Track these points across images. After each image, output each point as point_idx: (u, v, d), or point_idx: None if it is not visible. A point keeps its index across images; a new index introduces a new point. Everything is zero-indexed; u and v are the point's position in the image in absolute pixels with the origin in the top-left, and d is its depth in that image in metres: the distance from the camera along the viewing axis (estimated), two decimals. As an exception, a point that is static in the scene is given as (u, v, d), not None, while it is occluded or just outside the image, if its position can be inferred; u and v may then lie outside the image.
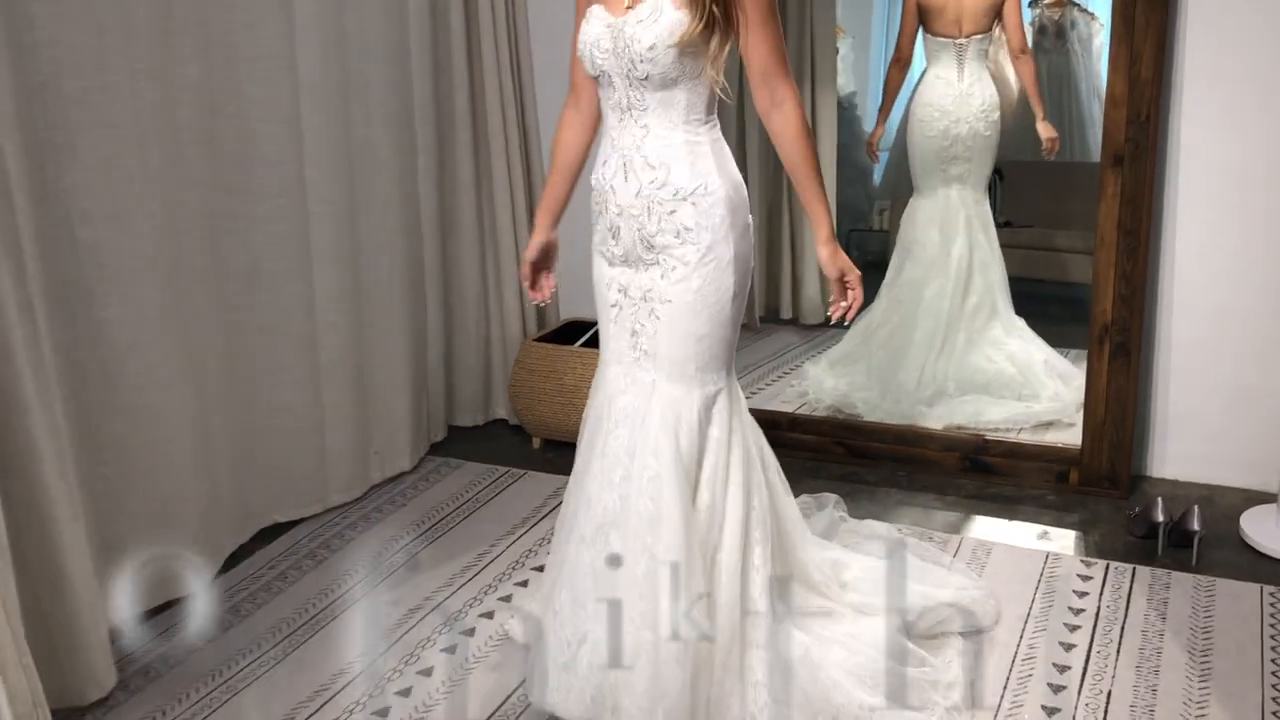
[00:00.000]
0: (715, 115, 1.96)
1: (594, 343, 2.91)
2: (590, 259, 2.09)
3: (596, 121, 2.08)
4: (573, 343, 3.40)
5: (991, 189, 4.26)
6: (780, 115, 1.93)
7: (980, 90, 3.74)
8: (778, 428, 3.29)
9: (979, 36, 3.73)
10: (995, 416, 3.47)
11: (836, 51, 7.62)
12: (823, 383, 3.79)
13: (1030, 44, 4.66)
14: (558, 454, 3.37)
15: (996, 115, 3.76)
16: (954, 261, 3.82)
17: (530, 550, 2.80)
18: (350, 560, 2.76)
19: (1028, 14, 4.78)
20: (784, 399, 3.82)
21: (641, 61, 1.84)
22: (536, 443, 3.47)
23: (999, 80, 3.96)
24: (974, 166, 3.81)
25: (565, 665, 2.00)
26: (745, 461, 2.05)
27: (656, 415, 1.96)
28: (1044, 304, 4.76)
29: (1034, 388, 3.61)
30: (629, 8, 1.87)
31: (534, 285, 2.21)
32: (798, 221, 5.07)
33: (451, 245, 3.44)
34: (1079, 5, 7.03)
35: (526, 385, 3.36)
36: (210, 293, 2.66)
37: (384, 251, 3.11)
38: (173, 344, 2.50)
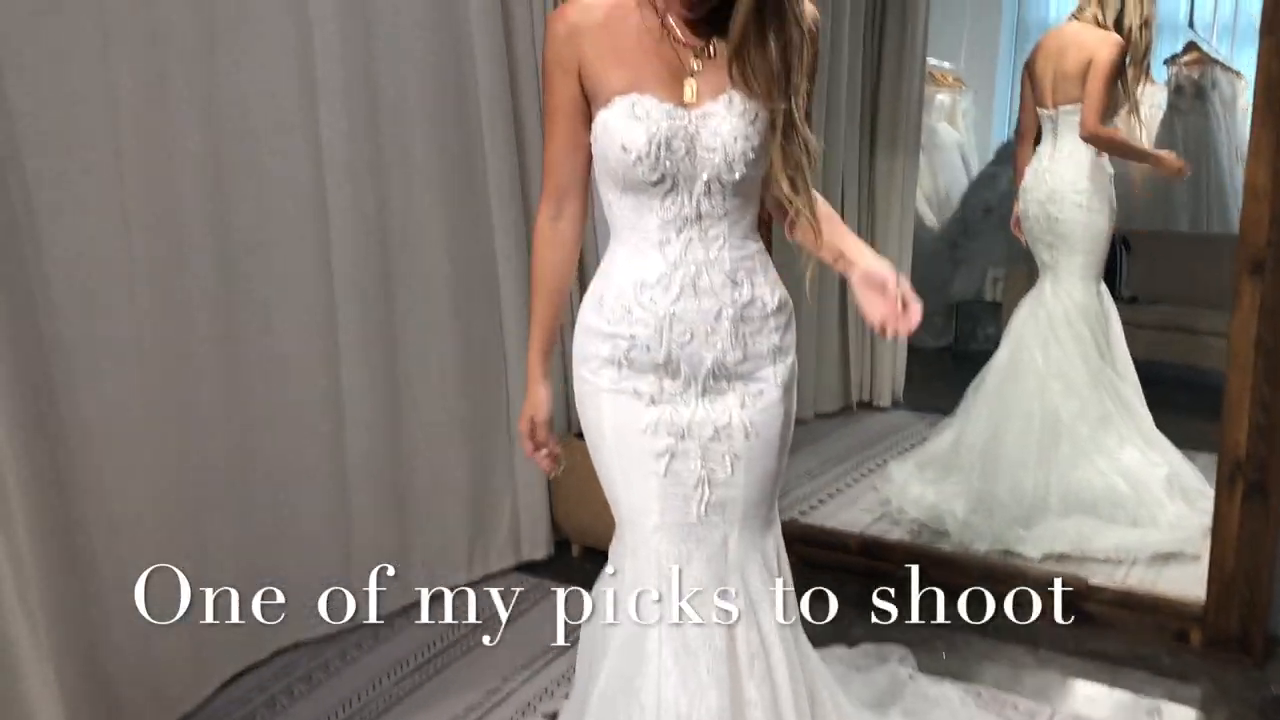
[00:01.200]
0: None
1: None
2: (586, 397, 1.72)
3: (580, 237, 1.75)
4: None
5: (1116, 261, 3.77)
6: (803, 226, 1.68)
7: (1063, 168, 3.31)
8: (844, 550, 2.90)
9: (1069, 108, 3.28)
10: (1103, 544, 3.02)
11: (952, 97, 7.15)
12: (908, 490, 3.38)
13: (1166, 104, 4.14)
14: (596, 566, 3.02)
15: (1081, 198, 3.28)
16: (1037, 359, 3.35)
17: (541, 694, 2.45)
18: (335, 696, 2.45)
19: (1162, 72, 4.28)
20: (864, 506, 3.42)
21: (741, 163, 1.56)
22: (576, 550, 3.14)
23: (1121, 145, 3.46)
24: (1060, 255, 3.36)
25: None
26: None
27: (745, 576, 1.67)
28: (1173, 391, 4.25)
29: (1151, 510, 3.13)
30: (690, 104, 1.56)
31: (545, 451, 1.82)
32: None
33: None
34: (1221, 63, 6.45)
35: (566, 486, 3.03)
36: (219, 389, 2.40)
37: (434, 338, 2.82)
38: (158, 445, 2.25)
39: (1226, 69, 6.19)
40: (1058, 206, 3.27)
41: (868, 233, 4.52)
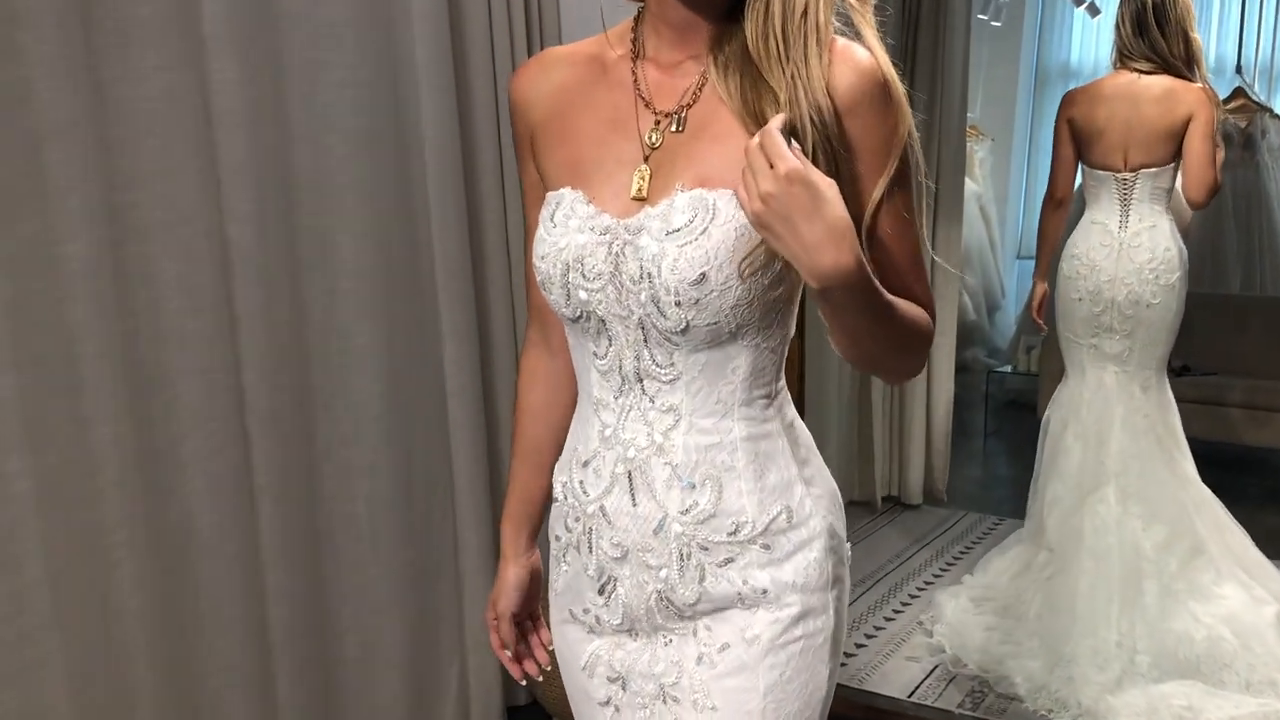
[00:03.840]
0: (783, 372, 1.10)
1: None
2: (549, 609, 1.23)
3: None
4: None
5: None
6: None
7: (1151, 242, 2.75)
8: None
9: (1152, 170, 2.73)
10: (1216, 716, 2.45)
11: (977, 157, 6.62)
12: (965, 633, 2.82)
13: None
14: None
15: (1175, 277, 2.74)
16: (1111, 475, 2.78)
17: None
18: None
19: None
20: (909, 651, 2.86)
21: (677, 304, 0.97)
22: (561, 727, 2.57)
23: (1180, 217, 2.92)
24: (1137, 345, 2.79)
25: None
26: None
27: None
28: (1234, 474, 3.73)
29: (1268, 670, 2.58)
30: (638, 199, 1.01)
31: (516, 649, 1.29)
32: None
33: (498, 458, 2.53)
34: (1270, 110, 5.94)
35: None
36: (134, 579, 1.79)
37: (362, 477, 2.26)
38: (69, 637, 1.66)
39: (1275, 116, 5.72)
40: (1150, 288, 2.72)
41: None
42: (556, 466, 1.15)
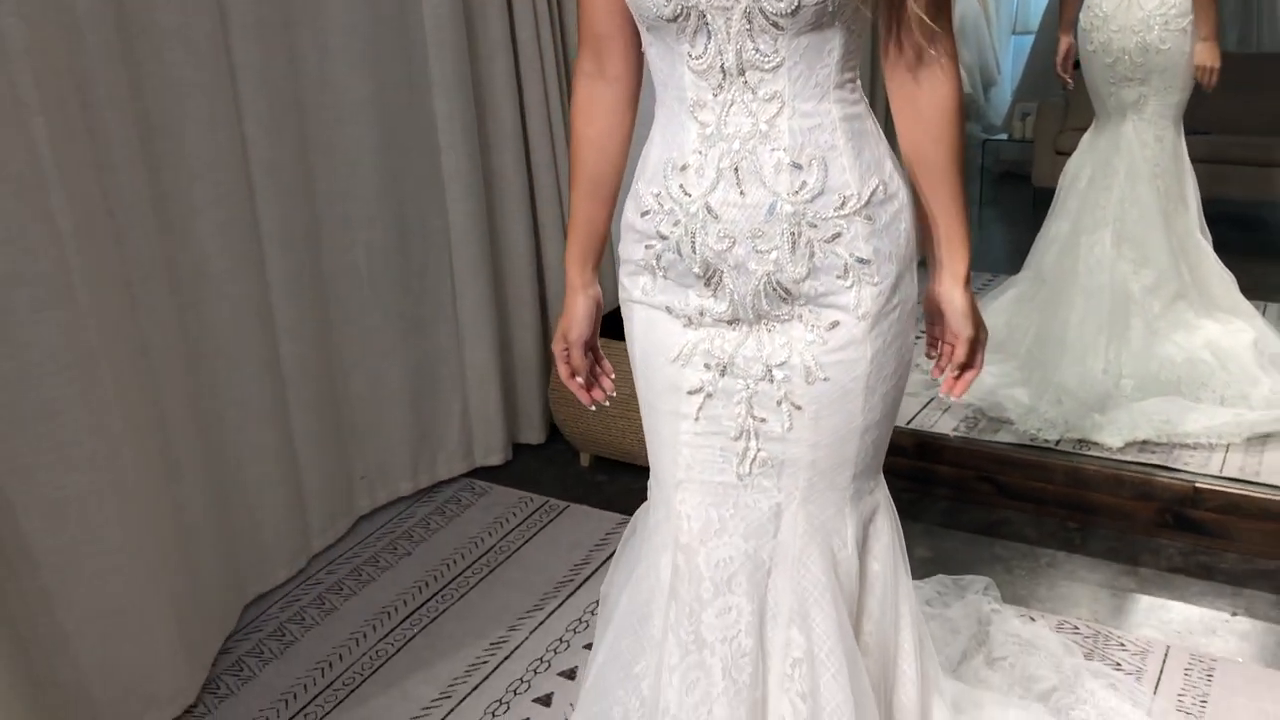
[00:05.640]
0: None
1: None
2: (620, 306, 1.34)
3: (632, 102, 1.29)
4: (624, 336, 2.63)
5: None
6: (932, 78, 1.18)
7: None
8: (901, 454, 2.49)
9: None
10: (1192, 427, 2.62)
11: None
12: (958, 370, 2.96)
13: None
14: (610, 477, 2.65)
15: (1187, 21, 2.76)
16: (1109, 219, 2.88)
17: (562, 638, 2.07)
18: (317, 649, 2.08)
19: None
20: (910, 390, 2.98)
21: None
22: (585, 459, 2.74)
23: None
24: (1151, 91, 2.83)
25: None
26: (913, 612, 1.39)
27: (800, 565, 1.27)
28: (1223, 228, 3.82)
29: (1241, 385, 2.74)
30: None
31: (587, 378, 1.40)
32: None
33: (496, 211, 2.65)
34: None
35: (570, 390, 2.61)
36: (153, 314, 1.90)
37: (360, 227, 2.38)
38: (110, 407, 1.76)
39: None
40: (1158, 35, 2.74)
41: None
42: (643, 181, 1.23)
